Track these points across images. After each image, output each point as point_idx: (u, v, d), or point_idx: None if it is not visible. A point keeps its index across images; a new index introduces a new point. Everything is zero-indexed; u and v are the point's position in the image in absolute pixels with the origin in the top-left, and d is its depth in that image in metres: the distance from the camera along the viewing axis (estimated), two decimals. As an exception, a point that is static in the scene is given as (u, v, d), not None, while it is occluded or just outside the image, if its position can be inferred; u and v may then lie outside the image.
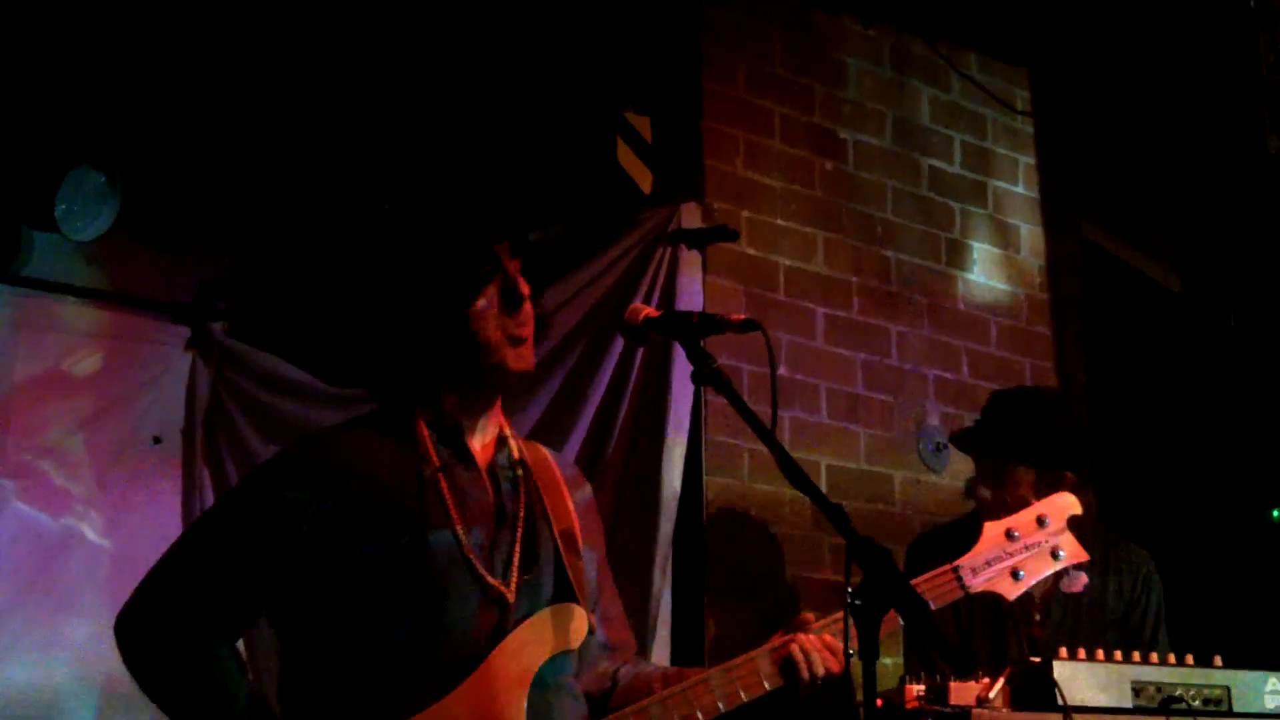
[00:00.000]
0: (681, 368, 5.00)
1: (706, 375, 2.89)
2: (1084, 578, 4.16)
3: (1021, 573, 3.42)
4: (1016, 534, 3.44)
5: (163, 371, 6.04)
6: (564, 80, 5.47)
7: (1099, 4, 5.99)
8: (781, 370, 5.31)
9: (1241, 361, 6.52)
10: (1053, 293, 6.27)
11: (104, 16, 5.31)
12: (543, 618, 2.90)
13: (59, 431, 5.85)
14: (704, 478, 5.12)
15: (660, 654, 4.82)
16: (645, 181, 5.30)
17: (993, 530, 3.44)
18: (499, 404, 3.06)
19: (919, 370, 5.82)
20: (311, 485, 2.86)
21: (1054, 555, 3.46)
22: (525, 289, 2.97)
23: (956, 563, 3.37)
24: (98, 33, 5.35)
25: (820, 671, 3.02)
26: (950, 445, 5.72)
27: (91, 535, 5.88)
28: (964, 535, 4.44)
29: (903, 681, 3.73)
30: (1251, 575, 6.22)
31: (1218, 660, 3.81)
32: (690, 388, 5.04)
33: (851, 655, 2.61)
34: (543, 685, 2.86)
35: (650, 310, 3.00)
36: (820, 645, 3.03)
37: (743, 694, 3.01)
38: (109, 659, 5.60)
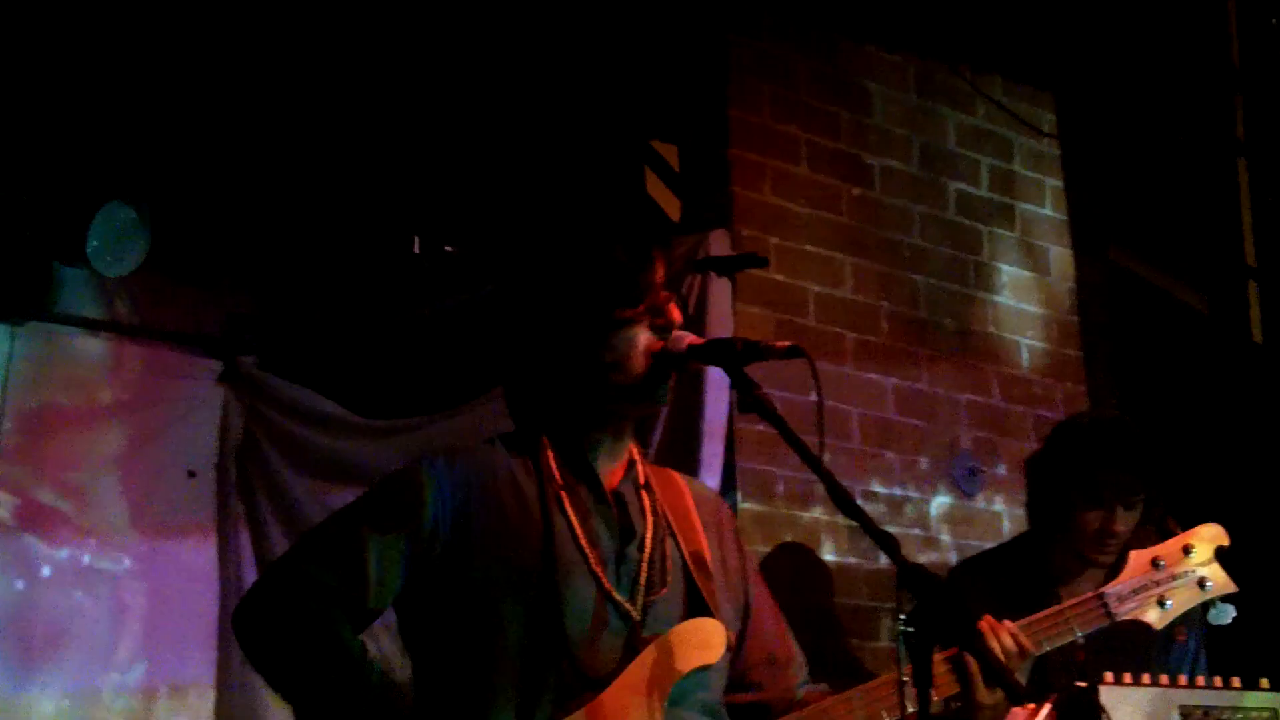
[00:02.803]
0: (714, 394, 4.99)
1: (751, 403, 2.87)
2: (1233, 610, 4.07)
3: (1169, 602, 3.41)
4: (1163, 563, 3.42)
5: (195, 406, 6.06)
6: (592, 110, 5.48)
7: (1123, 27, 6.00)
8: (812, 396, 5.30)
9: (1270, 384, 6.49)
10: (1082, 315, 6.26)
11: (136, 53, 5.34)
12: (677, 634, 2.86)
13: (92, 467, 5.86)
14: (738, 505, 5.11)
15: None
16: (673, 210, 5.31)
17: (1138, 559, 3.43)
18: (629, 433, 3.03)
19: (950, 395, 5.80)
20: (440, 500, 2.84)
21: (1201, 585, 3.44)
22: (677, 316, 2.95)
23: (1102, 589, 3.38)
24: (129, 69, 5.38)
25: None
26: (983, 470, 5.73)
27: (125, 571, 5.89)
28: (1013, 561, 4.46)
29: (946, 705, 3.71)
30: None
31: (1264, 683, 3.78)
32: (723, 414, 5.04)
33: (905, 683, 2.60)
34: (679, 702, 2.83)
35: (693, 338, 2.95)
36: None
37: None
38: (146, 694, 5.64)
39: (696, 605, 2.93)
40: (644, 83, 5.55)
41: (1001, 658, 3.10)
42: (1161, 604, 3.41)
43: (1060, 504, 4.38)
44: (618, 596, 2.85)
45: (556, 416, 2.95)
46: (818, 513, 5.21)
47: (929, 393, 5.75)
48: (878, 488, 5.50)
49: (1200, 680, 3.74)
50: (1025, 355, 6.06)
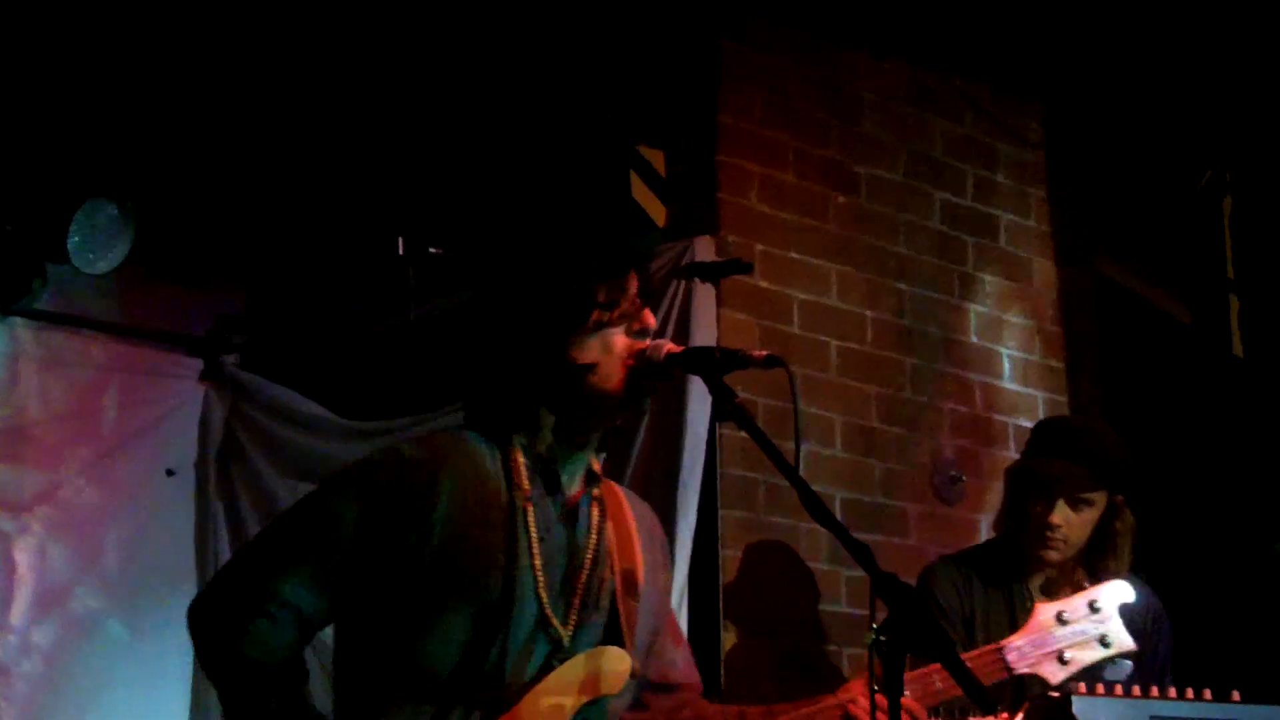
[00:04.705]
0: (697, 402, 4.99)
1: (729, 411, 2.84)
2: (1130, 666, 4.08)
3: (1068, 657, 3.42)
4: (1067, 618, 3.43)
5: (176, 405, 6.07)
6: (578, 114, 5.48)
7: (1111, 38, 6.00)
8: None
9: (1250, 394, 6.51)
10: (1065, 326, 6.27)
11: (120, 50, 5.33)
12: (580, 660, 2.86)
13: (73, 464, 5.86)
14: (719, 511, 5.11)
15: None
16: (659, 215, 5.30)
17: (1045, 613, 3.44)
18: (595, 443, 3.00)
19: (933, 403, 5.81)
20: (396, 499, 2.80)
21: (1102, 643, 3.46)
22: (651, 321, 2.94)
23: (1002, 644, 3.39)
24: (113, 66, 5.38)
25: None
26: (964, 479, 5.74)
27: (107, 567, 5.89)
28: (984, 559, 4.46)
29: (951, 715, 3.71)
30: (1260, 609, 6.20)
31: (1235, 695, 3.79)
32: (705, 422, 5.04)
33: (876, 692, 2.60)
34: None
35: (672, 346, 2.92)
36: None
37: None
38: (124, 682, 5.62)
39: (614, 630, 2.94)
40: (632, 87, 5.55)
41: None
42: (1061, 660, 3.43)
43: (1016, 495, 4.41)
44: (554, 621, 2.84)
45: (529, 420, 2.92)
46: (799, 519, 5.21)
47: (912, 401, 5.75)
48: (859, 495, 5.50)
49: (1173, 691, 3.74)
50: (1008, 365, 6.07)
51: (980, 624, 4.33)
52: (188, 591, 5.96)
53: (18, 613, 5.71)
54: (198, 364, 6.16)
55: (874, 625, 2.55)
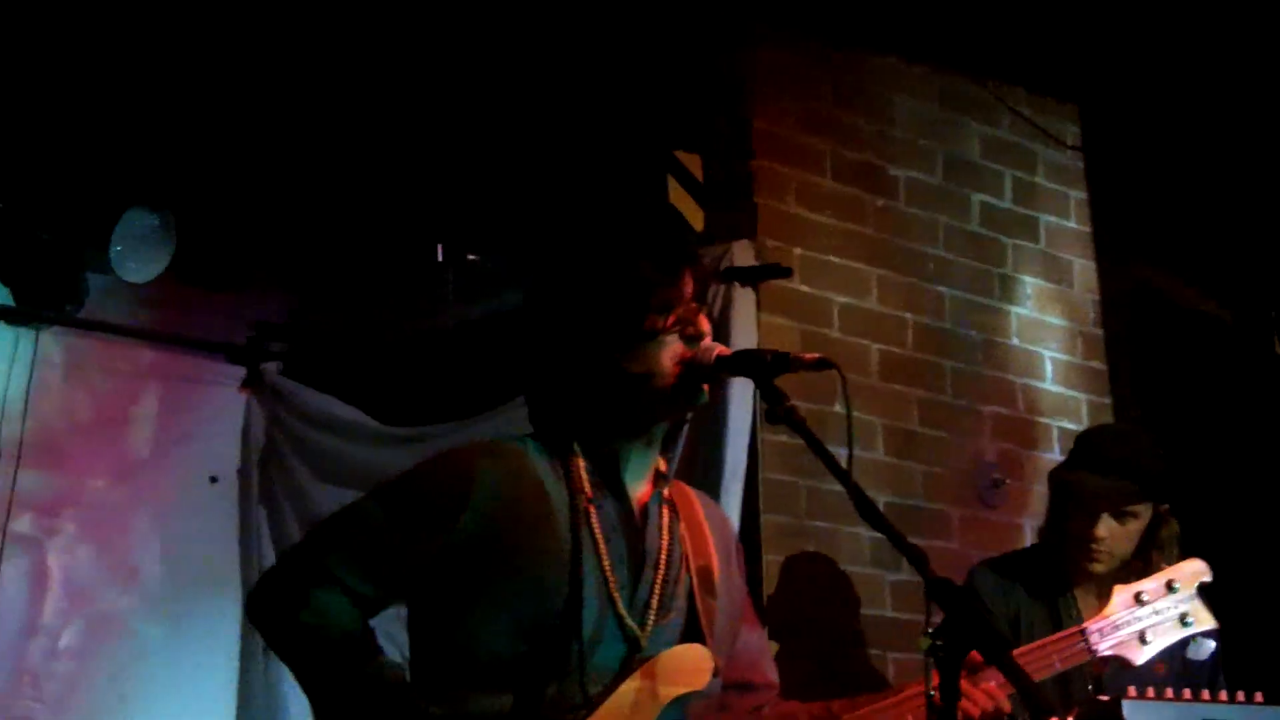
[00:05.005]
0: (738, 406, 4.99)
1: (780, 414, 2.85)
2: (1212, 645, 4.06)
3: (1150, 638, 3.41)
4: (1146, 598, 3.42)
5: (218, 412, 6.10)
6: (616, 120, 5.49)
7: (1147, 39, 5.98)
8: (837, 408, 5.29)
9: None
10: (1106, 328, 6.24)
11: (160, 59, 5.35)
12: (662, 659, 2.86)
13: (115, 471, 5.89)
14: (761, 516, 5.10)
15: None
16: (697, 220, 5.31)
17: (1122, 594, 3.43)
18: (658, 445, 3.01)
19: (974, 406, 5.79)
20: (461, 500, 2.82)
21: (1182, 621, 3.45)
22: (705, 325, 2.95)
23: (1084, 625, 3.40)
24: (154, 76, 5.40)
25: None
26: (1006, 482, 5.72)
27: (149, 573, 5.92)
28: (1030, 564, 4.44)
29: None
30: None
31: (1288, 698, 3.77)
32: (746, 426, 5.03)
33: (932, 697, 2.59)
34: None
35: (722, 349, 2.94)
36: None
37: None
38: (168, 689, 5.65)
39: (693, 630, 2.94)
40: (669, 93, 5.55)
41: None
42: (1143, 640, 3.42)
43: (1057, 508, 4.39)
44: (629, 621, 2.84)
45: (587, 426, 2.93)
46: (840, 523, 5.20)
47: (952, 404, 5.73)
48: (900, 499, 5.49)
49: (1223, 695, 3.73)
50: (1049, 367, 6.05)
51: (1025, 633, 4.30)
52: (231, 597, 6.00)
53: (60, 618, 5.75)
54: (239, 372, 6.19)
55: (928, 630, 2.55)
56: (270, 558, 5.90)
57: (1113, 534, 4.25)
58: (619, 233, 3.07)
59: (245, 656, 5.92)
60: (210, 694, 5.90)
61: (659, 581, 2.90)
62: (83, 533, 5.81)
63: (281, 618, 2.85)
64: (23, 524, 5.66)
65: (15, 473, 5.59)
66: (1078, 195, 6.33)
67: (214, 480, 6.07)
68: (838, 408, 5.19)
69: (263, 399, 6.13)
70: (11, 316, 5.63)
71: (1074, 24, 5.89)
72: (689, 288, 2.94)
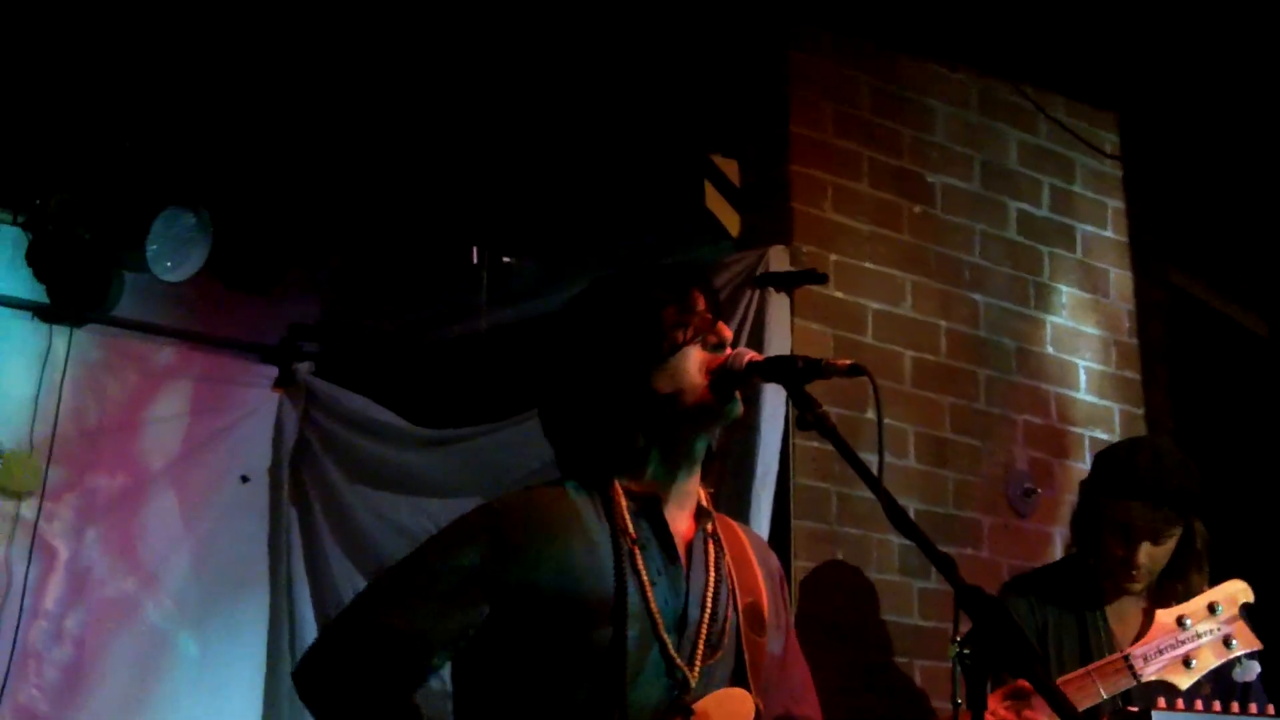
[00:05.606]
0: (770, 412, 4.97)
1: (811, 421, 2.83)
2: (1257, 666, 3.99)
3: (1194, 661, 3.39)
4: (1188, 621, 3.40)
5: (250, 412, 6.12)
6: (653, 124, 5.48)
7: (1188, 48, 5.95)
8: (869, 414, 5.27)
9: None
10: (1141, 338, 6.20)
11: (197, 60, 5.37)
12: (706, 705, 2.84)
13: (148, 470, 5.91)
14: (791, 522, 5.08)
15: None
16: (733, 225, 5.30)
17: (1164, 618, 3.42)
18: (699, 473, 2.99)
19: (1007, 415, 5.76)
20: (505, 552, 2.82)
21: (1226, 644, 3.43)
22: (727, 333, 2.95)
23: (1128, 650, 3.39)
24: (191, 76, 5.42)
25: None
26: (1038, 491, 5.69)
27: (179, 571, 5.93)
28: (1061, 580, 4.41)
29: None
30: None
31: (1323, 713, 3.74)
32: (778, 432, 5.01)
33: (959, 705, 2.57)
34: None
35: (754, 355, 2.92)
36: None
37: None
38: (196, 688, 5.67)
39: (740, 668, 2.92)
40: (705, 98, 5.54)
41: None
42: (1187, 664, 3.40)
43: (1089, 530, 4.34)
44: (679, 662, 2.83)
45: (626, 457, 2.91)
46: (871, 530, 5.18)
47: (986, 412, 5.70)
48: (931, 506, 5.47)
49: (1254, 708, 3.70)
50: (1083, 377, 6.01)
51: (1053, 647, 4.27)
52: (260, 596, 6.02)
53: (88, 616, 5.77)
54: (271, 371, 6.21)
55: (956, 639, 2.53)
56: (299, 558, 5.91)
57: (1151, 556, 4.20)
58: (631, 270, 3.04)
59: (272, 655, 5.94)
60: (238, 693, 5.92)
61: (706, 620, 2.88)
62: (112, 531, 5.83)
63: (337, 695, 2.83)
64: (54, 522, 5.68)
65: (46, 469, 5.62)
66: (1115, 204, 6.29)
67: (245, 480, 6.09)
68: (870, 414, 5.19)
69: (295, 399, 6.14)
70: (46, 314, 5.66)
71: (1114, 32, 5.86)
72: (700, 304, 2.94)
